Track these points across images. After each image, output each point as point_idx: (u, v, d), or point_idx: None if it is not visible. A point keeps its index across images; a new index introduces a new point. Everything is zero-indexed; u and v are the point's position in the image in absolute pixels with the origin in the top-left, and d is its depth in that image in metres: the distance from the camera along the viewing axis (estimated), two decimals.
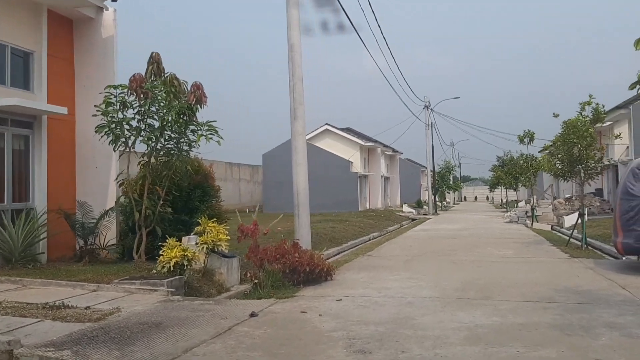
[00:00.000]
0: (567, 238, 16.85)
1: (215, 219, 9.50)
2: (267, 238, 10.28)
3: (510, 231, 20.46)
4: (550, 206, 26.09)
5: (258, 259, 8.78)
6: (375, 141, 37.51)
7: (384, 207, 44.70)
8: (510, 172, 34.33)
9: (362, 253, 14.02)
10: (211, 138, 9.27)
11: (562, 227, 22.59)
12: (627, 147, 26.29)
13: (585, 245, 13.48)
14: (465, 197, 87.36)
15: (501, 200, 58.39)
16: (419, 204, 48.19)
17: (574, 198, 31.54)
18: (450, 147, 71.53)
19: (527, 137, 23.83)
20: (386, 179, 48.58)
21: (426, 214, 38.46)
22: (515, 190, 40.69)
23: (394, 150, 46.31)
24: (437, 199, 59.28)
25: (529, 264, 11.19)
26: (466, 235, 18.82)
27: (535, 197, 26.28)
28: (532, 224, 22.59)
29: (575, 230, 15.05)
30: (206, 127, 9.29)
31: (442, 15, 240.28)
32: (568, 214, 26.27)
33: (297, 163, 11.32)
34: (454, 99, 39.21)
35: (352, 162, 37.22)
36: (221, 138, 9.35)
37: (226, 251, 8.65)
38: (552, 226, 22.34)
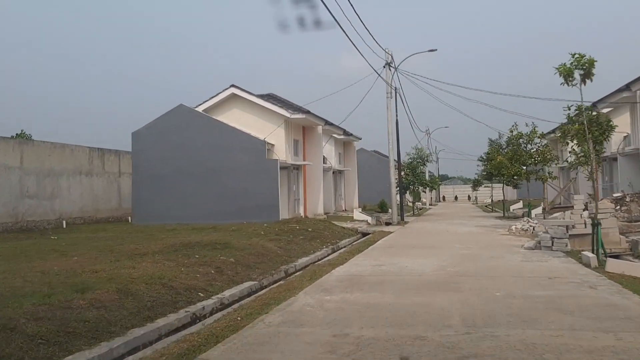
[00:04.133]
0: None
1: None
2: None
3: (581, 300, 7.46)
4: (609, 213, 13.32)
5: None
6: (307, 112, 24.39)
7: (333, 211, 31.75)
8: (517, 157, 21.59)
9: None
10: None
11: None
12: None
13: None
14: (444, 197, 75.03)
15: (491, 200, 45.93)
16: (382, 207, 35.35)
17: (628, 199, 18.95)
18: (426, 136, 58.98)
19: (580, 69, 11.13)
20: (338, 173, 35.62)
21: (389, 222, 25.66)
22: (515, 187, 28.09)
23: (346, 133, 33.32)
24: (408, 200, 46.60)
25: None
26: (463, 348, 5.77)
27: (585, 195, 13.70)
28: (602, 257, 9.90)
29: None
30: None
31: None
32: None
33: None
34: (429, 51, 26.36)
35: (272, 145, 24.07)
36: None
37: None
38: None
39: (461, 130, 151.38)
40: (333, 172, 33.50)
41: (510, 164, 21.42)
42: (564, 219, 14.02)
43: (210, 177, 22.89)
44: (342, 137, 33.40)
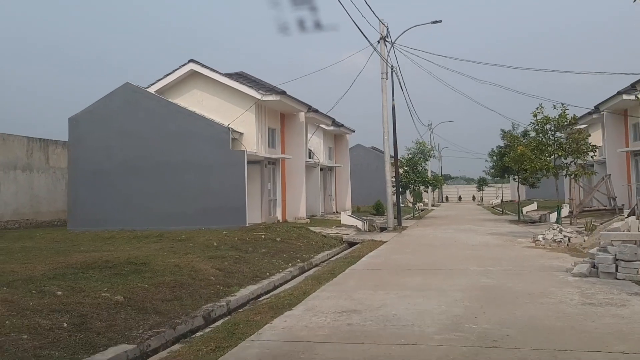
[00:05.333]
0: None
1: None
2: None
3: None
4: None
5: None
6: (283, 92, 20.01)
7: (321, 214, 27.42)
8: (543, 147, 17.16)
9: None
10: None
11: None
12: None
13: None
14: (447, 198, 70.67)
15: (502, 201, 41.57)
16: (378, 209, 31.04)
17: None
18: (429, 131, 54.61)
19: None
20: (328, 170, 31.28)
21: (384, 228, 21.41)
22: (532, 186, 23.80)
23: (336, 123, 28.96)
24: (409, 200, 42.33)
25: None
26: None
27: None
28: None
29: None
30: None
31: None
32: None
33: None
34: (432, 23, 21.99)
35: (240, 134, 19.75)
36: None
37: None
38: None
39: (467, 126, 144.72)
40: (321, 169, 29.16)
41: (535, 156, 17.02)
42: (629, 229, 9.67)
43: (162, 172, 18.62)
44: (331, 128, 29.05)
